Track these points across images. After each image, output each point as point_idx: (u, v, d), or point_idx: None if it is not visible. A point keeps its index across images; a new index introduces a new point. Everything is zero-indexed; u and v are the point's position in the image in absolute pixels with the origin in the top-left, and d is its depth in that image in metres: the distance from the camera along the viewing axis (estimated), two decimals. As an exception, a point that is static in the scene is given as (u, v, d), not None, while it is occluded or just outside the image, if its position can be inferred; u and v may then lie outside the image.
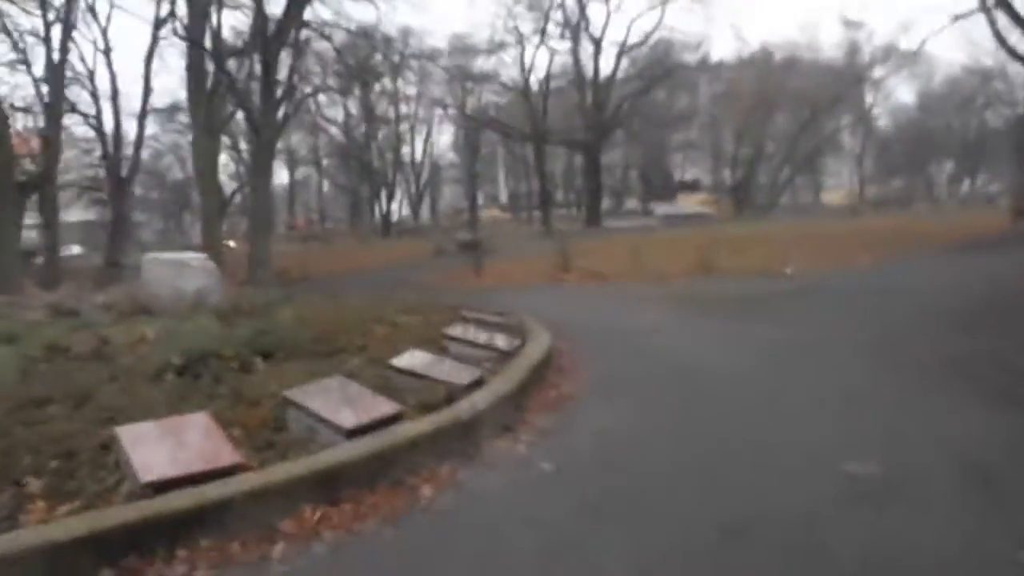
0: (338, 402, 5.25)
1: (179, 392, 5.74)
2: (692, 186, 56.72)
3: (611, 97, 40.79)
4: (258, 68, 21.72)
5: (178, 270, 11.01)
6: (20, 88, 24.27)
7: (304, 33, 22.40)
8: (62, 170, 25.63)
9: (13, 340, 7.16)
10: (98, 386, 5.95)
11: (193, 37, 21.05)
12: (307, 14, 21.40)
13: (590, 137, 39.64)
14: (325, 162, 52.87)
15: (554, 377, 6.96)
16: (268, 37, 20.33)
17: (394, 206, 49.31)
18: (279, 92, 21.35)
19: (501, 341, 7.46)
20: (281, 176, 56.63)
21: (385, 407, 5.18)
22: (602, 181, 44.54)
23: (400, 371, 6.25)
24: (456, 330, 7.76)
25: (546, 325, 8.34)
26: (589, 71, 40.75)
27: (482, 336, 7.56)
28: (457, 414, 5.39)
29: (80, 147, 31.21)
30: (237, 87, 22.27)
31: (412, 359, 6.54)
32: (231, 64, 22.73)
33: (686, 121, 49.48)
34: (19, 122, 23.23)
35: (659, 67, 41.29)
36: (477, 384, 6.04)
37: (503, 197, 64.95)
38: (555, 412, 6.07)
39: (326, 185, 56.75)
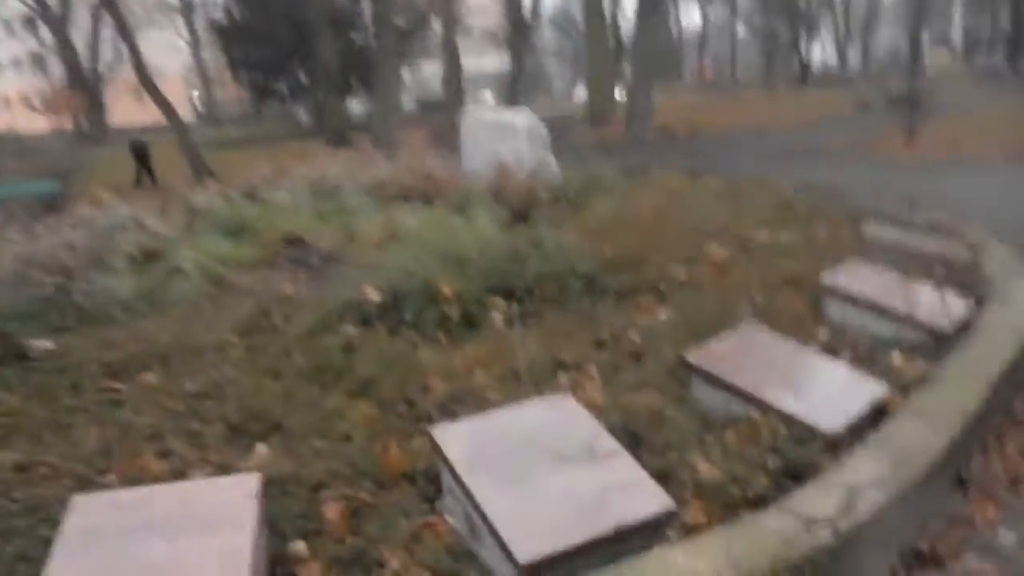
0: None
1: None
2: None
3: None
4: None
5: (498, 133, 8.73)
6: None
7: None
8: (465, 13, 24.95)
9: (234, 232, 5.55)
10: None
11: None
12: None
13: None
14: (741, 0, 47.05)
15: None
16: None
17: (816, 52, 42.31)
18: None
19: (931, 302, 3.86)
20: (692, 17, 52.23)
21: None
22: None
23: (703, 373, 3.20)
24: (849, 274, 4.26)
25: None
26: None
27: (896, 289, 4.01)
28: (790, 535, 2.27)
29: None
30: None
31: (739, 344, 3.39)
32: None
33: None
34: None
35: None
36: (862, 427, 2.77)
37: (955, 36, 52.32)
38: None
39: (741, 30, 50.92)
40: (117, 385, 3.36)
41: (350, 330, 3.96)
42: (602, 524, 2.31)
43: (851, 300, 3.95)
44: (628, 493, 2.45)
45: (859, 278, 4.15)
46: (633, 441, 2.88)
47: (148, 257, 5.00)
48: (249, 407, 3.12)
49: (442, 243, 4.74)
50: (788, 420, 2.89)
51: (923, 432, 2.93)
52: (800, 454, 2.73)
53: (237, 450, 2.88)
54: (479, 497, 2.40)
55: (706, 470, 2.66)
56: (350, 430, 2.99)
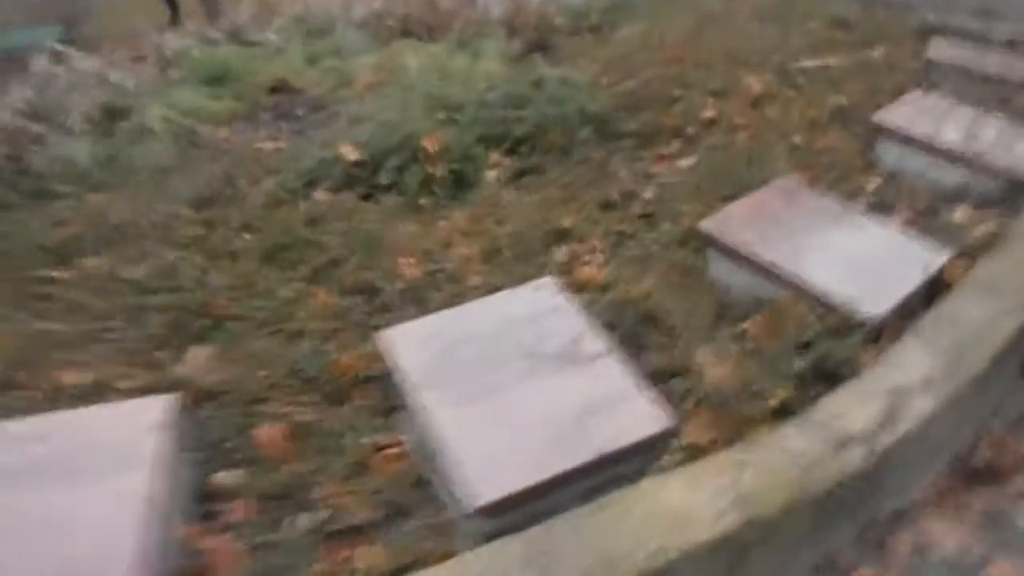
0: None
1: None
2: None
3: None
4: None
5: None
6: None
7: None
8: None
9: (215, 81, 4.93)
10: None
11: None
12: None
13: None
14: None
15: None
16: None
17: None
18: None
19: (1009, 142, 3.17)
20: None
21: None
22: None
23: (722, 246, 2.63)
24: (909, 109, 3.53)
25: None
26: None
27: (966, 126, 3.30)
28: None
29: None
30: None
31: (768, 206, 2.79)
32: None
33: None
34: None
35: None
36: (914, 307, 2.23)
37: None
38: None
39: None
40: (55, 274, 2.98)
41: (320, 197, 3.44)
42: (581, 452, 1.88)
43: (910, 141, 3.26)
44: (616, 408, 2.00)
45: (921, 114, 3.42)
46: (632, 335, 2.40)
47: (112, 117, 4.49)
48: (192, 300, 2.71)
49: (434, 87, 4.10)
50: (822, 303, 2.36)
51: (990, 310, 2.37)
52: (835, 348, 2.22)
53: (172, 354, 2.50)
54: (433, 417, 1.99)
55: (716, 373, 2.18)
56: (303, 326, 2.57)
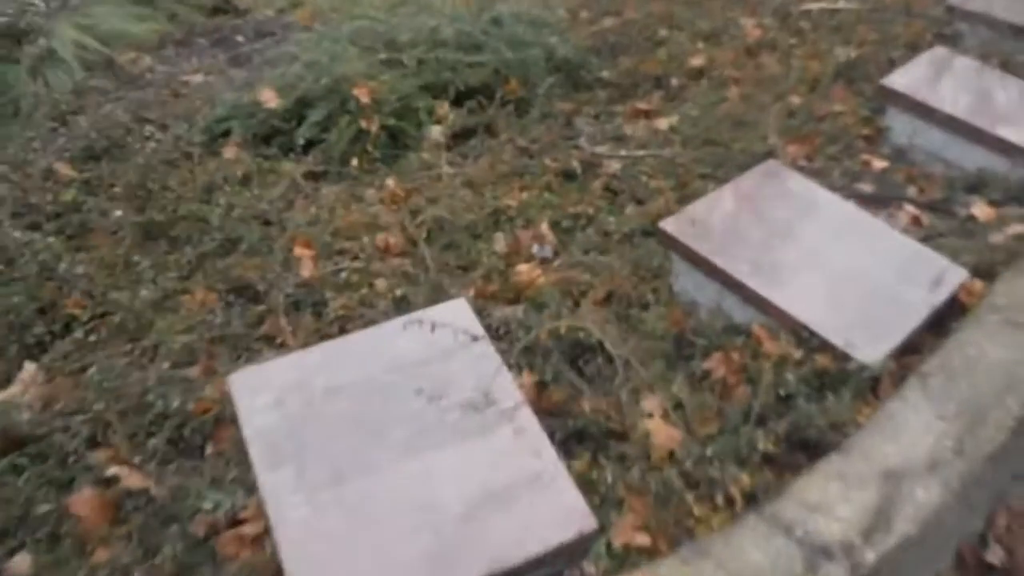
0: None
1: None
2: None
3: None
4: None
5: None
6: None
7: None
8: None
9: None
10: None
11: None
12: None
13: None
14: None
15: None
16: None
17: None
18: None
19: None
20: None
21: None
22: None
23: (689, 252, 2.04)
24: (926, 70, 2.82)
25: None
26: None
27: (995, 95, 2.67)
28: None
29: None
30: None
31: (749, 197, 2.18)
32: None
33: None
34: None
35: None
36: (918, 341, 1.68)
37: None
38: None
39: None
40: None
41: (229, 154, 2.81)
42: (469, 566, 1.38)
43: (924, 111, 2.62)
44: (527, 495, 1.48)
45: (939, 76, 2.77)
46: (563, 376, 1.86)
47: (15, 39, 3.81)
48: (37, 296, 2.15)
49: (377, 21, 3.41)
50: (806, 339, 1.82)
51: (1015, 351, 1.84)
52: (818, 408, 1.70)
53: (5, 368, 1.98)
54: (273, 515, 1.47)
55: (663, 439, 1.66)
56: (166, 339, 2.02)
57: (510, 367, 1.77)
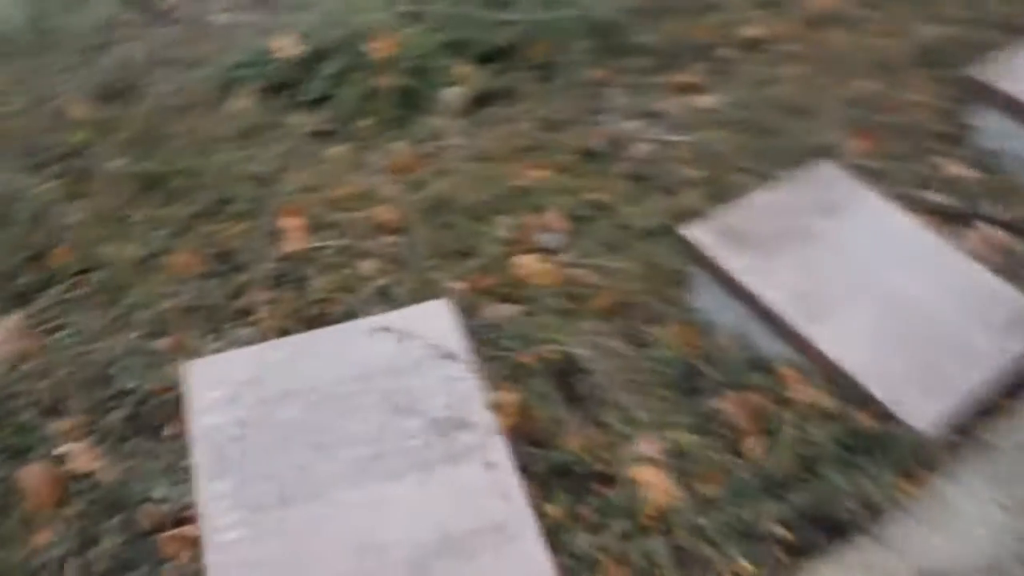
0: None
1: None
2: None
3: None
4: None
5: None
6: None
7: None
8: None
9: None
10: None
11: None
12: None
13: None
14: None
15: None
16: None
17: None
18: None
19: None
20: None
21: None
22: None
23: (714, 269, 1.68)
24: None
25: None
26: None
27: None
28: None
29: None
30: None
31: (794, 205, 1.78)
32: None
33: None
34: None
35: None
36: (988, 404, 1.33)
37: None
38: None
39: None
40: None
41: (239, 104, 2.53)
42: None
43: (1019, 112, 2.20)
44: (483, 550, 1.20)
45: None
46: (549, 398, 1.56)
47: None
48: (29, 242, 1.96)
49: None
50: (844, 388, 1.48)
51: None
52: (848, 481, 1.36)
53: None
54: (205, 526, 1.22)
55: (656, 493, 1.36)
56: (142, 301, 1.79)
57: (492, 381, 1.48)
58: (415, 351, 1.42)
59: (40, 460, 1.52)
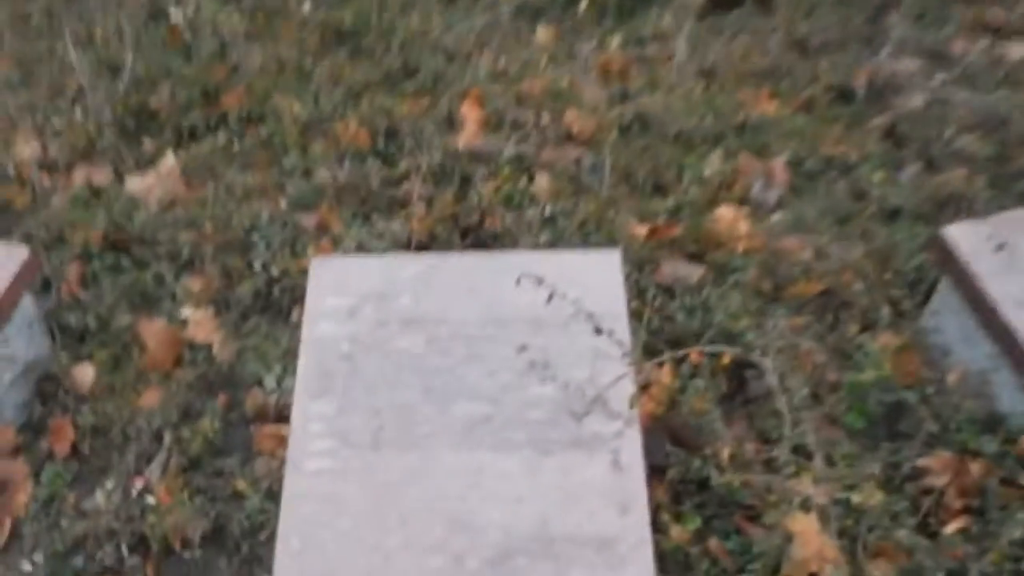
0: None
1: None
2: None
3: None
4: None
5: None
6: None
7: None
8: None
9: None
10: None
11: None
12: None
13: None
14: None
15: None
16: None
17: None
18: None
19: None
20: None
21: None
22: None
23: None
24: None
25: None
26: None
27: None
28: None
29: None
30: None
31: None
32: None
33: None
34: None
35: None
36: None
37: None
38: None
39: None
40: None
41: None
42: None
43: None
44: (579, 564, 1.01)
45: None
46: (714, 383, 1.28)
47: None
48: (199, 82, 1.92)
49: None
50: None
51: None
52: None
53: (134, 153, 1.80)
54: (292, 447, 1.11)
55: (806, 550, 1.08)
56: (296, 165, 1.71)
57: (646, 356, 1.25)
58: (568, 307, 1.19)
59: (164, 317, 1.52)
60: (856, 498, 1.13)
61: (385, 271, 1.26)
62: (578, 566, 1.01)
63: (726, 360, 1.27)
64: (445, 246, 1.58)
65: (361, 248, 1.56)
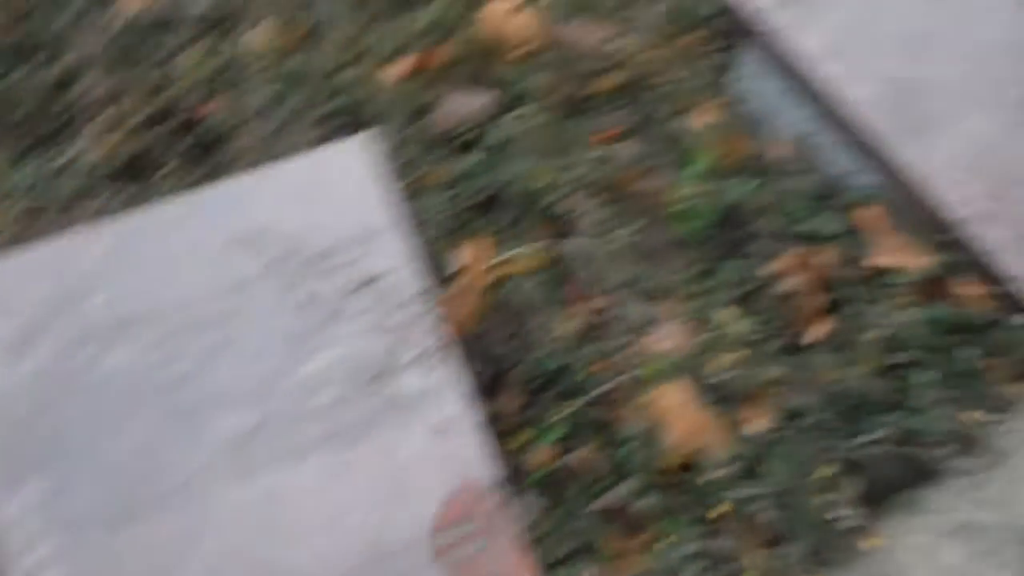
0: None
1: None
2: None
3: None
4: None
5: None
6: None
7: None
8: None
9: None
10: None
11: None
12: None
13: None
14: None
15: None
16: None
17: None
18: None
19: None
20: None
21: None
22: None
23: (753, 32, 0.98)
24: None
25: None
26: None
27: None
28: None
29: None
30: None
31: None
32: None
33: None
34: None
35: None
36: None
37: None
38: None
39: None
40: None
41: None
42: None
43: None
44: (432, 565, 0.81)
45: None
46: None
47: None
48: None
49: None
50: (942, 235, 0.96)
51: None
52: (938, 389, 0.91)
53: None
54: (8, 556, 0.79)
55: (678, 430, 0.92)
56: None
57: (444, 255, 0.96)
58: (318, 237, 0.86)
59: None
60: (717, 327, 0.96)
61: (58, 263, 0.86)
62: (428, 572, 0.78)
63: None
64: (154, 166, 1.15)
65: (36, 204, 1.10)
